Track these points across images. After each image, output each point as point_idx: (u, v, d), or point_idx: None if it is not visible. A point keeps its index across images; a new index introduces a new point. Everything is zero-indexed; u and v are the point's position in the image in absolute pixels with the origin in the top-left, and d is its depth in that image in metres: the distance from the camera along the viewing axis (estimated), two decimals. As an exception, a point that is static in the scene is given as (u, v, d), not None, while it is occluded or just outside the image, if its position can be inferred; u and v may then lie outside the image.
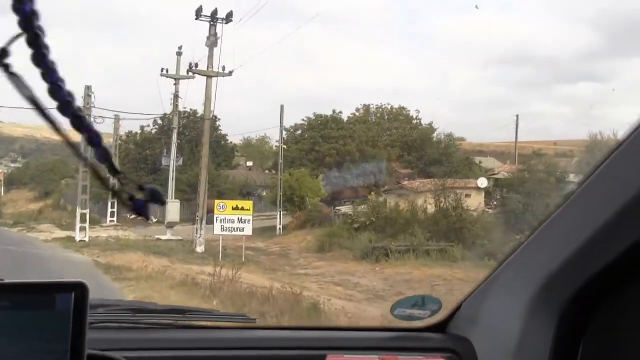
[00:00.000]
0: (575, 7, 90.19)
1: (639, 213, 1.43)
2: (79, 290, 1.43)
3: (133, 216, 48.25)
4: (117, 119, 44.54)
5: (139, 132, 56.50)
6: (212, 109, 27.15)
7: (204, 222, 28.02)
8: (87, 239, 29.83)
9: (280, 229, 37.42)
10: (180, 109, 34.34)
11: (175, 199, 34.25)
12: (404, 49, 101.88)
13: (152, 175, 53.74)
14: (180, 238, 32.99)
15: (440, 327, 2.37)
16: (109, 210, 43.56)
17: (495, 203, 41.30)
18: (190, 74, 33.77)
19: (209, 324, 2.56)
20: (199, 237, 27.44)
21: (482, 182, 40.62)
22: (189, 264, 24.25)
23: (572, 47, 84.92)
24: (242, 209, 26.01)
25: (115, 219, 43.41)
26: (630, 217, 1.45)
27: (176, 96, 33.82)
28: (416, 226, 28.57)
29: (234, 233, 25.98)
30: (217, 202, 26.82)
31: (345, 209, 40.19)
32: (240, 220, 25.69)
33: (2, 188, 67.78)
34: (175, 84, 34.15)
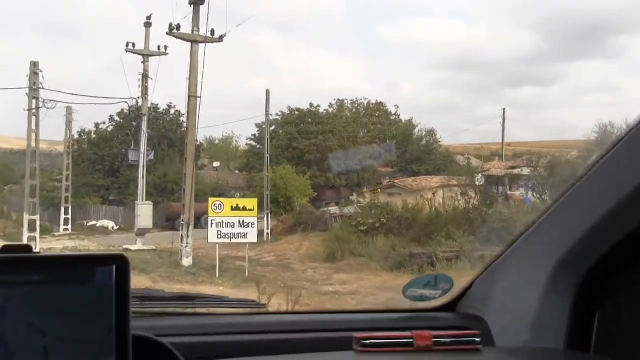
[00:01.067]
0: (520, 13, 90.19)
1: None
2: (120, 262, 1.33)
3: (90, 223, 42.25)
4: (69, 111, 37.86)
5: (94, 129, 50.02)
6: (198, 84, 21.02)
7: (191, 227, 21.81)
8: (39, 251, 23.24)
9: (268, 234, 31.41)
10: (150, 92, 27.79)
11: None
12: (352, 52, 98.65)
13: (110, 177, 47.86)
14: (154, 247, 26.80)
15: (451, 307, 2.32)
16: (62, 216, 37.07)
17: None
18: (162, 49, 27.65)
19: (218, 310, 2.45)
20: (186, 247, 21.29)
21: (478, 180, 37.74)
22: (177, 282, 18.47)
23: (518, 52, 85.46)
24: (244, 208, 19.92)
25: (69, 226, 36.98)
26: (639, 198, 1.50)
27: (145, 76, 27.51)
28: (450, 227, 23.04)
29: (234, 240, 19.97)
30: (212, 200, 20.70)
31: (333, 209, 35.53)
32: (241, 224, 19.69)
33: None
34: (143, 62, 27.84)
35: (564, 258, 1.83)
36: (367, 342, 1.81)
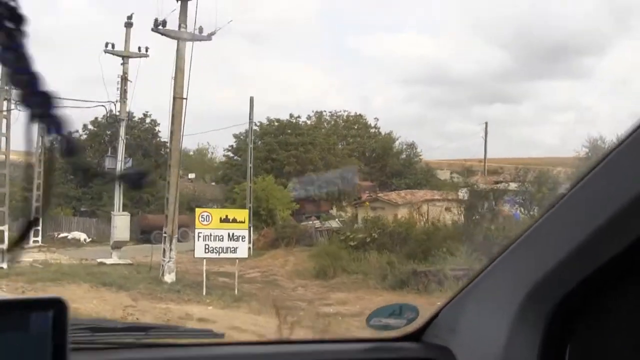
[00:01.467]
0: (490, 31, 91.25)
1: (625, 222, 1.44)
2: (58, 307, 1.23)
3: (61, 235, 40.16)
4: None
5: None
6: (184, 85, 19.34)
7: (174, 240, 20.06)
8: (4, 265, 21.14)
9: (250, 248, 29.70)
10: (129, 97, 26.00)
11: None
12: (324, 65, 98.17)
13: (82, 188, 45.86)
14: (130, 262, 25.02)
15: (416, 336, 2.25)
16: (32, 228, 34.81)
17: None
18: (143, 50, 25.98)
19: (172, 341, 2.32)
20: (168, 261, 19.51)
21: (464, 194, 36.35)
22: (159, 300, 16.83)
23: (487, 69, 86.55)
24: (235, 220, 18.16)
25: (39, 238, 34.80)
26: (617, 225, 1.46)
27: (124, 78, 25.77)
28: (450, 243, 21.69)
29: (222, 255, 18.21)
30: (199, 210, 18.94)
31: (318, 223, 34.38)
32: (231, 237, 17.96)
33: None
34: (122, 63, 26.11)
35: (535, 287, 1.75)
36: None
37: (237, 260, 18.63)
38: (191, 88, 21.66)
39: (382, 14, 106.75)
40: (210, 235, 17.82)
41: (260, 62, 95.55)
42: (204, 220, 17.93)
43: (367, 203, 33.26)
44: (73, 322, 1.52)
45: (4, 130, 24.16)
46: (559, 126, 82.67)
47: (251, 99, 32.86)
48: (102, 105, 25.69)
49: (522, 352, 1.79)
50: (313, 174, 44.89)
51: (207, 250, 17.92)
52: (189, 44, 19.75)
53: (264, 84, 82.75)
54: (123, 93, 25.72)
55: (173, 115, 19.69)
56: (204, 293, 17.33)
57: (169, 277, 19.31)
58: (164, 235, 20.39)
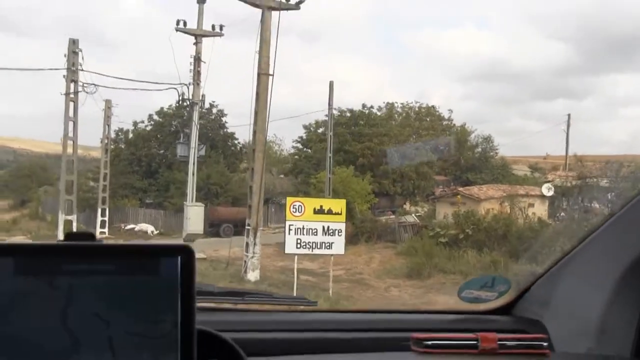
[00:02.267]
0: (551, 25, 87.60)
1: None
2: (186, 254, 1.28)
3: (128, 226, 38.76)
4: (108, 105, 34.36)
5: (132, 128, 46.75)
6: (270, 63, 16.97)
7: (258, 233, 17.82)
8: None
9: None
10: (203, 79, 23.91)
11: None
12: (385, 61, 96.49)
13: (147, 179, 44.52)
14: (204, 256, 23.04)
15: (507, 309, 2.22)
16: (99, 218, 33.44)
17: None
18: (217, 29, 23.87)
19: (268, 307, 2.29)
20: (252, 257, 17.34)
21: (548, 190, 33.92)
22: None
23: (549, 64, 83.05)
24: (330, 211, 15.81)
25: (106, 229, 33.37)
26: None
27: (197, 59, 23.70)
28: (565, 240, 18.86)
29: (316, 251, 15.91)
30: (290, 200, 16.58)
31: (403, 218, 32.02)
32: (326, 231, 15.66)
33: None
34: (195, 43, 24.04)
35: (632, 265, 1.77)
36: (429, 342, 1.74)
37: (332, 258, 16.34)
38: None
39: (439, 9, 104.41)
40: (303, 228, 15.54)
41: (315, 58, 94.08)
42: (295, 212, 15.63)
43: (459, 197, 30.60)
44: None
45: (71, 114, 22.33)
46: (628, 122, 78.49)
47: (331, 84, 30.60)
48: (174, 88, 23.67)
49: (619, 326, 1.79)
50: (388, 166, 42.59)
51: (299, 245, 15.65)
52: (275, 14, 17.52)
53: (318, 79, 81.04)
54: (196, 75, 23.67)
55: (258, 93, 17.47)
56: (295, 295, 15.12)
57: (253, 275, 17.17)
58: (247, 228, 18.21)
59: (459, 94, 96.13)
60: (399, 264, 22.57)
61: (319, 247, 15.77)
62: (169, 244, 1.34)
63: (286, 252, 16.16)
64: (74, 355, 1.22)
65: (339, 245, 16.04)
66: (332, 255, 16.37)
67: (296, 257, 16.00)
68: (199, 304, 1.82)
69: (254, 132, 17.77)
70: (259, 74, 17.49)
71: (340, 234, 15.99)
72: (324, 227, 15.70)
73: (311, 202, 16.57)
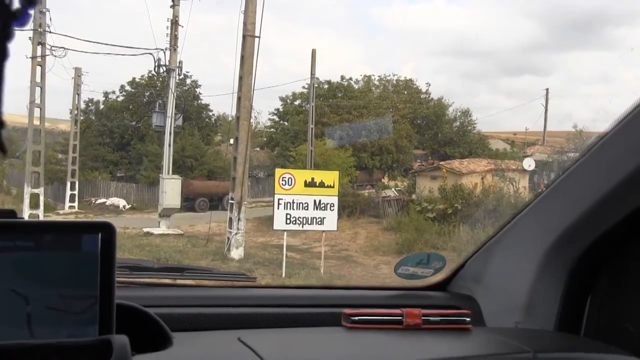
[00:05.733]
0: (518, 2, 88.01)
1: None
2: (106, 230, 1.29)
3: (99, 201, 37.10)
4: (78, 73, 32.62)
5: (102, 99, 44.99)
6: (257, 24, 15.52)
7: (243, 207, 16.46)
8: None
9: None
10: (180, 43, 22.33)
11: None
12: (352, 36, 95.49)
13: (119, 151, 43.04)
14: (181, 232, 21.74)
15: (442, 286, 2.27)
16: (68, 192, 31.88)
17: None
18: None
19: (207, 282, 2.32)
20: (236, 234, 16.02)
21: (529, 164, 33.52)
22: (232, 282, 13.18)
23: (516, 41, 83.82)
24: (322, 184, 14.47)
25: (75, 203, 31.81)
26: (637, 181, 1.54)
27: (174, 22, 22.13)
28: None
29: (307, 227, 14.56)
30: (279, 172, 15.21)
31: (387, 192, 30.89)
32: (317, 205, 14.37)
33: None
34: (172, 6, 22.44)
35: (559, 240, 1.83)
36: (356, 318, 1.78)
37: (323, 234, 15.13)
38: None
39: None
40: (293, 202, 14.22)
41: (285, 32, 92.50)
42: (285, 184, 14.26)
43: (445, 170, 29.57)
44: None
45: (38, 79, 20.69)
46: (590, 99, 78.59)
47: (313, 52, 29.22)
48: (150, 53, 22.08)
49: (544, 301, 1.87)
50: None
51: (288, 221, 14.32)
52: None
53: (290, 53, 79.63)
54: (173, 39, 22.12)
55: (243, 57, 16.02)
56: (284, 275, 13.87)
57: (236, 253, 15.83)
58: (231, 202, 16.84)
59: (429, 68, 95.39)
60: (387, 240, 21.49)
61: (309, 222, 14.47)
62: (91, 221, 1.35)
63: (275, 228, 14.85)
64: None
65: (331, 220, 14.73)
66: (323, 231, 15.10)
67: (285, 233, 14.73)
68: (137, 279, 2.00)
69: (239, 99, 16.30)
70: (244, 36, 16.02)
71: (332, 208, 14.67)
72: (315, 201, 14.41)
73: (302, 174, 15.23)
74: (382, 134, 41.72)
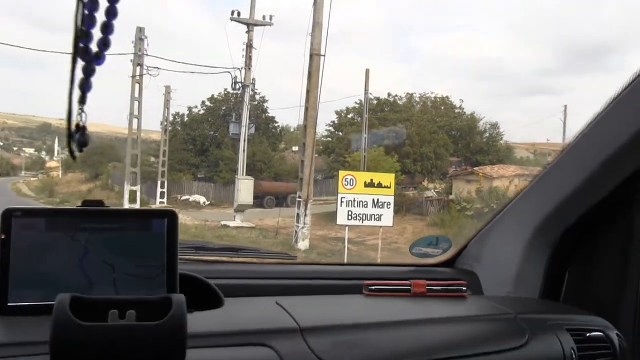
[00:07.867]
0: (535, 31, 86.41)
1: (615, 171, 1.61)
2: (171, 216, 1.39)
3: (183, 197, 37.23)
4: (168, 90, 32.70)
5: (187, 112, 45.46)
6: (321, 41, 15.12)
7: (309, 204, 16.00)
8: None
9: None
10: (253, 64, 22.08)
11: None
12: (393, 61, 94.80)
13: (200, 156, 43.29)
14: (253, 225, 21.36)
15: (449, 263, 2.31)
16: (158, 190, 31.90)
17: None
18: (267, 19, 21.98)
19: (256, 259, 2.28)
20: (302, 227, 15.56)
21: None
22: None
23: (533, 65, 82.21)
24: (380, 185, 13.94)
25: (165, 199, 31.85)
26: (609, 172, 1.61)
27: (249, 46, 21.85)
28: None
29: (366, 222, 14.01)
30: (342, 173, 14.70)
31: (429, 193, 30.42)
32: (376, 203, 13.84)
33: (60, 171, 64.02)
34: (247, 31, 22.18)
35: (543, 223, 1.89)
36: (373, 287, 1.86)
37: (380, 229, 14.54)
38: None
39: (439, 16, 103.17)
40: (354, 200, 13.70)
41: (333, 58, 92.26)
42: (347, 185, 13.77)
43: (481, 174, 28.65)
44: (181, 242, 1.60)
45: (136, 94, 20.64)
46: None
47: (367, 71, 28.94)
48: (228, 72, 21.94)
49: (531, 274, 1.95)
50: (410, 148, 40.97)
51: (350, 217, 13.79)
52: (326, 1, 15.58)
53: (341, 74, 79.30)
54: (248, 60, 21.87)
55: (310, 73, 15.61)
56: (345, 261, 13.32)
57: (303, 244, 15.37)
58: (298, 200, 16.39)
59: (460, 87, 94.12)
60: (431, 235, 20.70)
61: (368, 218, 13.90)
62: (158, 208, 1.50)
63: (338, 223, 14.27)
64: (87, 290, 1.29)
65: (387, 217, 14.12)
66: (380, 226, 14.47)
67: (347, 228, 14.16)
68: (200, 257, 2.07)
69: (306, 109, 15.88)
70: (311, 55, 15.62)
71: (389, 206, 14.08)
72: (373, 200, 13.83)
73: (362, 176, 14.65)
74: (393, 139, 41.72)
